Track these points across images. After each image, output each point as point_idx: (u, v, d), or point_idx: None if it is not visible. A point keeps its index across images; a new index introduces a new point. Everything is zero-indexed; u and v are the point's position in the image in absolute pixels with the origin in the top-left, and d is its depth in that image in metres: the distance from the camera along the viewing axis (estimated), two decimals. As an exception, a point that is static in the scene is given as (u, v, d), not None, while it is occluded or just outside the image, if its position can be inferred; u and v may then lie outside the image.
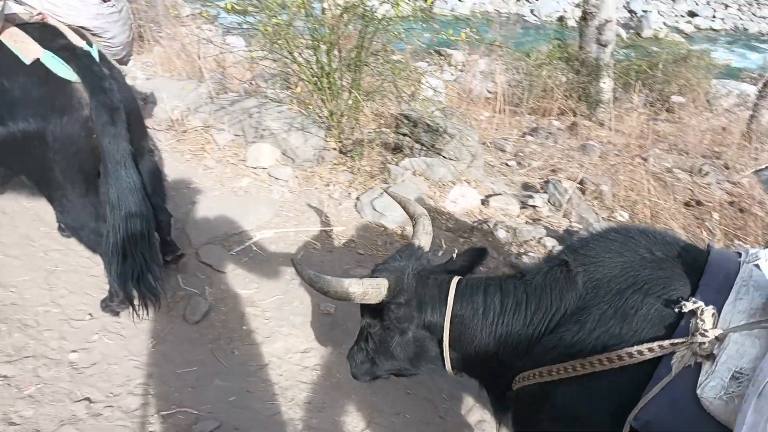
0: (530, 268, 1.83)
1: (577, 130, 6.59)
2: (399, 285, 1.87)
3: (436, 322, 1.85)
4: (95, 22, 2.75)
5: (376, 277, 1.91)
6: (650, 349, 1.38)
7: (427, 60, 9.76)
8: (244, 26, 4.62)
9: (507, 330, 1.74)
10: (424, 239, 2.09)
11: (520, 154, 5.55)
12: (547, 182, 4.67)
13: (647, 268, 1.53)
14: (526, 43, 11.51)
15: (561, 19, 19.20)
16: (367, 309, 2.01)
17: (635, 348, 1.40)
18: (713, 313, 1.35)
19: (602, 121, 7.22)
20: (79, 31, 2.67)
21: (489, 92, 7.94)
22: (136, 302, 2.67)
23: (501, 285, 1.81)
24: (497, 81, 7.07)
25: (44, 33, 2.49)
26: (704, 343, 1.31)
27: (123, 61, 3.16)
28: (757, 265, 1.40)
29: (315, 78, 4.38)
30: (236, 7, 4.30)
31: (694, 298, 1.39)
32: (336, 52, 4.27)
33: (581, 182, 4.72)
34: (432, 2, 4.70)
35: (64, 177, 2.50)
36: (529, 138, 6.09)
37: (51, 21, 2.60)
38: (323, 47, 4.23)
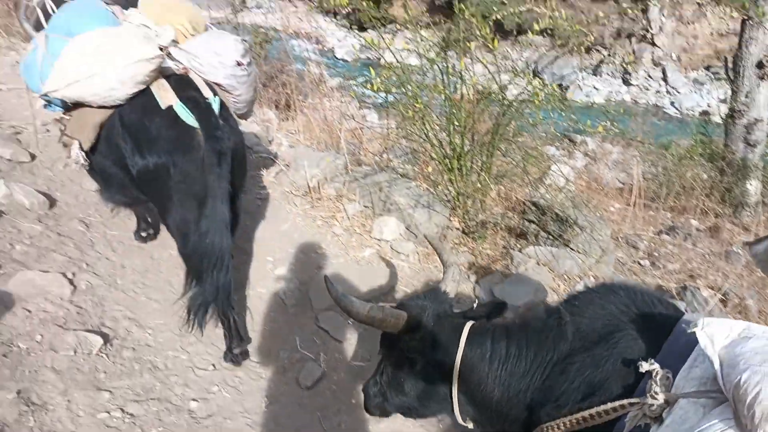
0: (531, 316, 1.88)
1: (720, 234, 6.08)
2: (417, 320, 1.94)
3: (446, 362, 1.88)
4: (228, 81, 3.16)
5: (398, 308, 1.98)
6: (614, 409, 1.45)
7: (557, 144, 9.64)
8: (380, 101, 4.85)
9: (510, 377, 1.79)
10: (450, 286, 2.17)
11: (655, 253, 5.20)
12: (684, 288, 4.30)
13: (622, 322, 1.61)
14: (665, 136, 11.04)
15: (704, 113, 18.29)
16: (386, 341, 2.09)
17: (603, 408, 1.46)
18: (668, 377, 1.39)
19: (748, 226, 6.63)
20: (212, 85, 3.10)
21: (621, 183, 7.64)
22: (204, 321, 2.92)
23: (507, 332, 1.86)
24: (632, 173, 6.79)
25: (180, 83, 2.96)
26: (653, 405, 1.36)
27: (245, 116, 3.60)
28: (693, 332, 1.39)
29: (446, 159, 4.47)
30: (380, 87, 4.53)
31: (652, 360, 1.43)
32: (469, 136, 4.35)
33: (724, 294, 4.31)
34: (572, 93, 4.68)
35: (180, 204, 2.89)
36: (665, 237, 5.71)
37: (192, 75, 3.06)
38: (457, 130, 4.33)
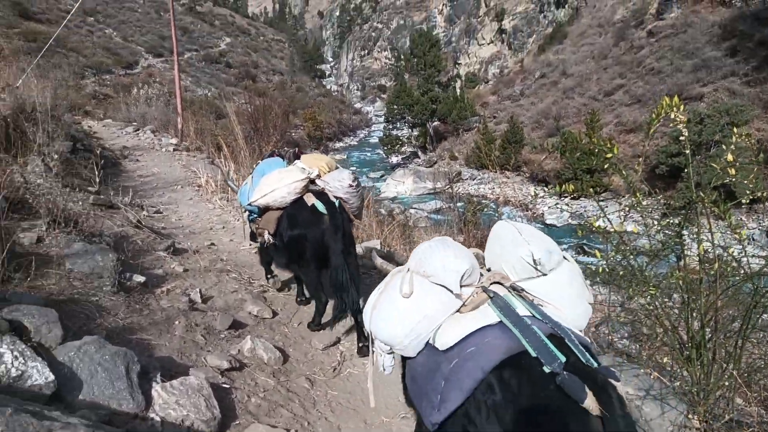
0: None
1: None
2: None
3: None
4: (345, 195, 4.83)
5: None
6: None
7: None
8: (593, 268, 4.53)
9: None
10: (378, 262, 3.24)
11: None
12: None
13: None
14: None
15: None
16: None
17: None
18: None
19: None
20: (336, 196, 4.81)
21: None
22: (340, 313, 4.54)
23: None
24: None
25: (319, 194, 4.76)
26: None
27: (358, 217, 5.24)
28: None
29: (681, 347, 3.98)
30: (604, 264, 4.26)
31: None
32: (712, 322, 3.85)
33: None
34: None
35: (309, 259, 4.63)
36: None
37: (326, 191, 4.81)
38: (696, 315, 3.87)
